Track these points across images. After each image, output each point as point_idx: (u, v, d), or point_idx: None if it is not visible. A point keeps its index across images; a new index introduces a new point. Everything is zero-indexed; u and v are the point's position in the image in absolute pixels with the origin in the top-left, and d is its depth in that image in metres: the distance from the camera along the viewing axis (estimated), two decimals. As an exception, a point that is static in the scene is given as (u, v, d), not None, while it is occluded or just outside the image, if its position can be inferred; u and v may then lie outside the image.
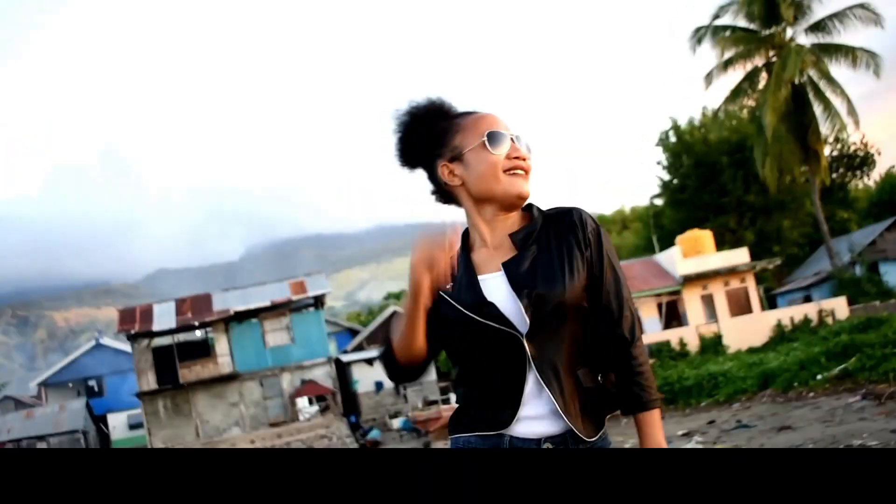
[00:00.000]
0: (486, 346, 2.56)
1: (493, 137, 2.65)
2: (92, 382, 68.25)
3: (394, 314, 61.73)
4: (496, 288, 2.57)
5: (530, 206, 2.75)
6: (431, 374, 53.20)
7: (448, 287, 2.61)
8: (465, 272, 2.64)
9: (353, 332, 65.28)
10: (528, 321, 2.50)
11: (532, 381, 2.53)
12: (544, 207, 2.78)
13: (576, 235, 2.62)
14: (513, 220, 2.70)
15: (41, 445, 53.65)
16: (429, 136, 2.77)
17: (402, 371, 2.73)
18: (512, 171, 2.65)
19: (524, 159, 2.67)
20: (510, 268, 2.57)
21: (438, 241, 2.55)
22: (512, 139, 2.68)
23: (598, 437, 2.59)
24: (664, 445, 2.68)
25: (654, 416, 2.68)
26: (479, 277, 2.61)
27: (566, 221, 2.65)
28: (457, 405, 2.75)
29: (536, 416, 2.54)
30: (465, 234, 2.77)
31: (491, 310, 2.53)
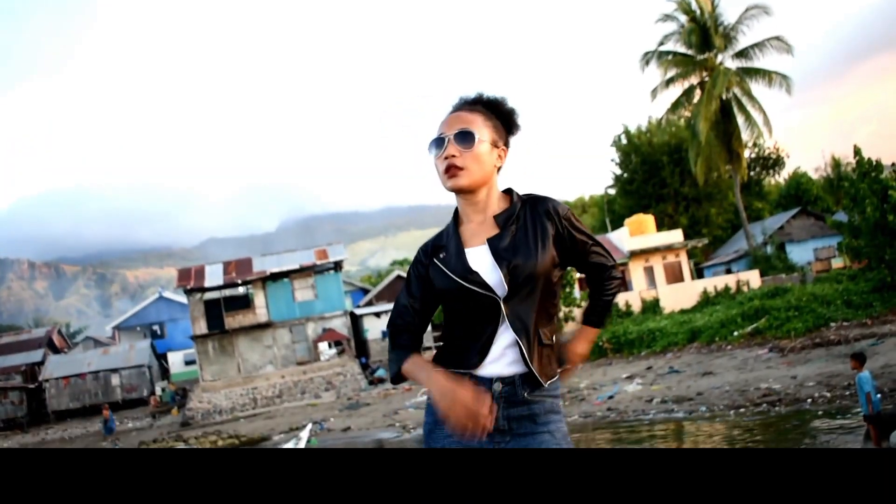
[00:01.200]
0: (470, 306, 2.54)
1: (432, 144, 2.61)
2: (156, 327, 68.23)
3: (398, 277, 61.87)
4: (480, 259, 2.54)
5: (511, 190, 2.70)
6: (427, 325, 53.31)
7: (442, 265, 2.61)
8: (455, 244, 2.61)
9: (365, 291, 65.24)
10: (506, 287, 2.49)
11: (505, 334, 2.51)
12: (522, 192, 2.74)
13: (550, 220, 2.58)
14: (493, 202, 2.64)
15: (115, 376, 53.72)
16: None
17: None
18: (446, 171, 2.58)
19: (452, 156, 2.56)
20: (493, 243, 2.54)
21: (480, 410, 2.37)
22: (448, 140, 2.59)
23: (550, 385, 2.56)
24: (584, 354, 2.75)
25: (593, 333, 2.80)
26: (466, 250, 2.58)
27: (541, 208, 2.61)
28: (439, 344, 2.74)
29: (498, 361, 2.53)
30: (457, 210, 2.73)
31: (475, 278, 2.51)
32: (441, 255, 2.62)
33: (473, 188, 2.61)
